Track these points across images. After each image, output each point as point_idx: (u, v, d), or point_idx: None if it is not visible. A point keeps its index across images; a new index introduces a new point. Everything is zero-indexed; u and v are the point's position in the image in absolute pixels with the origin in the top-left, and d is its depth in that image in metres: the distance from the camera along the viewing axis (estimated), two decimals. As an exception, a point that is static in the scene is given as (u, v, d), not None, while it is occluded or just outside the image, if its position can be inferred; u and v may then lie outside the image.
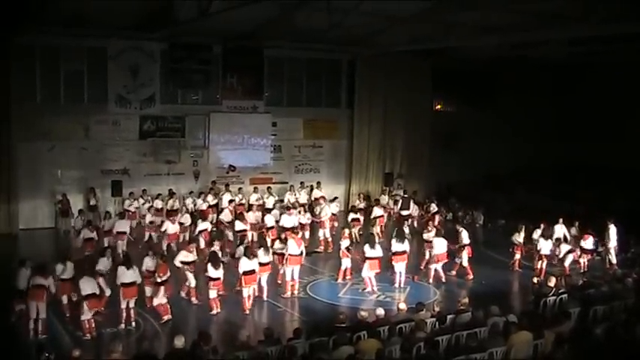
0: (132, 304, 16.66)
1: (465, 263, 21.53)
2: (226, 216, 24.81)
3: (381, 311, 14.84)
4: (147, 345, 15.24)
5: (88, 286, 15.87)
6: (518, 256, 22.61)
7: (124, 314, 16.57)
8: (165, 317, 16.81)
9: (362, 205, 28.09)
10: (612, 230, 22.88)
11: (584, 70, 33.23)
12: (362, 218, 26.41)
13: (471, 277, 21.43)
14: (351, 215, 26.22)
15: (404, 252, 20.48)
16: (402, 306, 15.52)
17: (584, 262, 22.24)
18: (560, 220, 23.29)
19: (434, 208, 27.95)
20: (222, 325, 17.15)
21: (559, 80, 34.55)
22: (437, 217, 26.67)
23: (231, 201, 26.26)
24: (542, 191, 31.20)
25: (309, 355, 12.13)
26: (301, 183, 29.83)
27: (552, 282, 17.01)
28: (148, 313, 17.31)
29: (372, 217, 26.13)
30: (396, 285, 20.29)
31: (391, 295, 19.38)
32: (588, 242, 22.28)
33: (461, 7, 22.92)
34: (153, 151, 29.01)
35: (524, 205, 28.93)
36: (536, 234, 22.34)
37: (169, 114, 29.18)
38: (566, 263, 21.45)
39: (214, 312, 17.63)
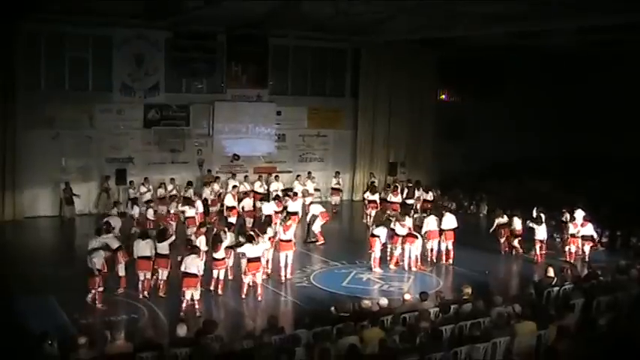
0: (148, 276, 17.62)
1: (444, 248, 21.87)
2: (229, 201, 24.79)
3: (384, 301, 14.89)
4: (150, 333, 15.26)
5: (192, 265, 16.59)
6: (502, 239, 23.16)
7: (141, 285, 17.65)
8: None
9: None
10: (579, 215, 22.79)
11: (592, 60, 33.03)
12: (378, 201, 26.63)
13: (449, 261, 21.70)
14: (368, 196, 26.72)
15: (411, 235, 20.97)
16: (407, 297, 15.57)
17: (582, 248, 22.39)
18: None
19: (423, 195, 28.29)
20: (226, 314, 17.23)
21: (566, 70, 34.35)
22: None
23: (234, 187, 26.23)
24: (546, 181, 31.10)
25: (313, 344, 12.14)
26: (308, 173, 29.81)
27: (551, 272, 17.04)
28: (150, 301, 17.40)
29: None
30: (406, 267, 20.87)
31: (395, 285, 19.40)
32: (588, 228, 22.35)
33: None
34: (157, 140, 28.99)
35: (528, 195, 28.81)
36: (531, 222, 22.61)
37: (174, 103, 29.14)
38: (570, 250, 22.24)
39: (220, 293, 18.03)
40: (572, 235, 22.36)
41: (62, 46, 26.91)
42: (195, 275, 16.67)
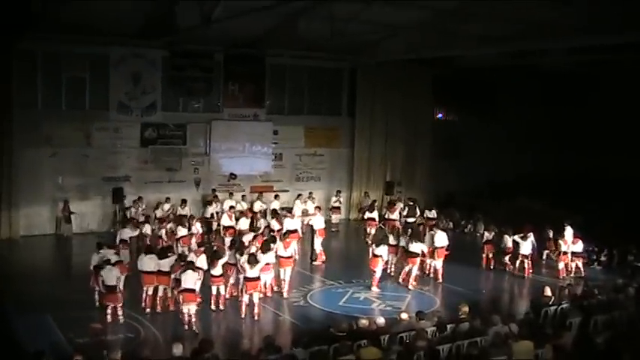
0: (150, 292, 17.96)
1: (438, 266, 21.93)
2: (226, 220, 24.93)
3: (381, 320, 14.88)
4: (147, 352, 15.19)
5: (189, 280, 16.85)
6: (484, 254, 23.63)
7: (145, 300, 17.98)
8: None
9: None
10: (568, 232, 23.20)
11: (586, 80, 33.22)
12: (377, 218, 26.83)
13: (439, 280, 21.74)
14: (367, 214, 26.95)
15: (418, 254, 21.13)
16: (404, 316, 15.53)
17: (576, 265, 22.94)
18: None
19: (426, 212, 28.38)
20: (223, 333, 17.20)
21: (560, 89, 34.48)
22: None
23: (231, 207, 26.26)
24: (542, 200, 31.11)
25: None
26: (310, 193, 29.70)
27: (548, 291, 17.09)
28: (147, 320, 17.36)
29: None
30: (406, 284, 21.03)
31: (392, 304, 19.35)
32: (578, 245, 22.80)
33: (462, 17, 22.99)
34: (154, 159, 28.98)
35: (523, 213, 28.80)
36: (517, 237, 23.05)
37: (171, 121, 29.15)
38: (560, 267, 22.76)
39: (213, 308, 18.16)
40: (564, 253, 22.75)
41: (59, 65, 26.90)
42: (193, 290, 16.88)
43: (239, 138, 30.50)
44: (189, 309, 16.79)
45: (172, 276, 17.64)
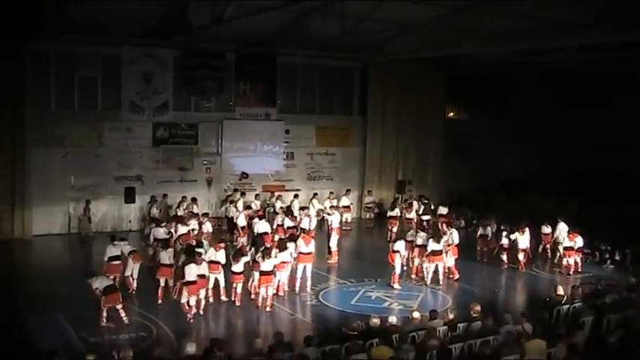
0: (169, 283, 18.92)
1: (450, 263, 21.85)
2: (241, 221, 24.95)
3: (393, 319, 14.88)
4: (159, 351, 15.18)
5: (193, 273, 17.46)
6: (479, 248, 24.33)
7: (160, 291, 18.74)
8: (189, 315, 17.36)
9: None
10: (562, 228, 23.70)
11: (597, 78, 33.04)
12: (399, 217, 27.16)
13: (455, 277, 21.72)
14: (388, 213, 27.38)
15: (440, 251, 21.18)
16: (416, 315, 15.49)
17: (575, 261, 23.09)
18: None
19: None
20: (235, 331, 17.23)
21: (571, 87, 34.37)
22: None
23: (248, 207, 26.28)
24: (553, 198, 31.02)
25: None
26: (330, 192, 29.82)
27: (560, 290, 17.05)
28: (159, 319, 17.40)
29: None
30: (430, 282, 21.17)
31: (404, 303, 19.32)
32: (578, 241, 22.93)
33: (473, 14, 22.92)
34: (166, 159, 29.03)
35: (535, 211, 28.75)
36: (513, 234, 23.50)
37: (182, 121, 29.22)
38: (569, 262, 22.99)
39: (238, 304, 18.47)
40: (569, 248, 22.91)
41: (71, 65, 27.04)
42: (195, 282, 17.39)
43: (251, 137, 30.54)
44: (192, 299, 17.33)
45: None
